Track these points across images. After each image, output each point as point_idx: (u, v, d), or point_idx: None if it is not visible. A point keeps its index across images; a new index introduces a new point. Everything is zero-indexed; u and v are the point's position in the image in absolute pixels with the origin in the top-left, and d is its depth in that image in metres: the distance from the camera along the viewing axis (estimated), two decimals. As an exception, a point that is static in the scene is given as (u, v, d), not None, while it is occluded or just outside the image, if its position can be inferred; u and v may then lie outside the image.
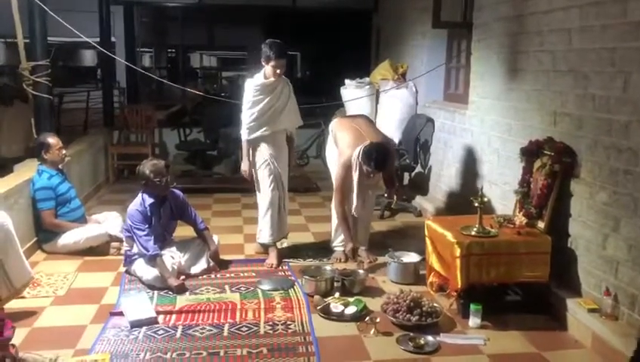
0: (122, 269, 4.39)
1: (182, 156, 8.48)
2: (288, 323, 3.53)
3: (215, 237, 4.56)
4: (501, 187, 4.53)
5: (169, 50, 21.12)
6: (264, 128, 4.44)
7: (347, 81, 6.97)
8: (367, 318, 3.46)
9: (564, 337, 3.42)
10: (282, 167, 4.57)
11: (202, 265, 4.37)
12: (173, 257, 4.23)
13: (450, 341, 3.33)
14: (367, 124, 4.70)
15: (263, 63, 4.38)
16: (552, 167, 3.66)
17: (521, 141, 4.21)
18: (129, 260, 4.27)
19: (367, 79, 6.97)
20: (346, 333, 3.44)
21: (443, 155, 5.87)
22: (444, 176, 5.87)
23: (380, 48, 8.58)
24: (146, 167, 4.24)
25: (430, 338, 3.31)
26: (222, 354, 3.14)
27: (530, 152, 3.97)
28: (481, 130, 4.97)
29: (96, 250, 4.74)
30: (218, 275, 4.33)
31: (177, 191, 4.52)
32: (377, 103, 6.88)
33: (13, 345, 2.91)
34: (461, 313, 3.65)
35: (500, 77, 4.59)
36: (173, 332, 3.39)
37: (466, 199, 5.10)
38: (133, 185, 7.55)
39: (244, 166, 4.56)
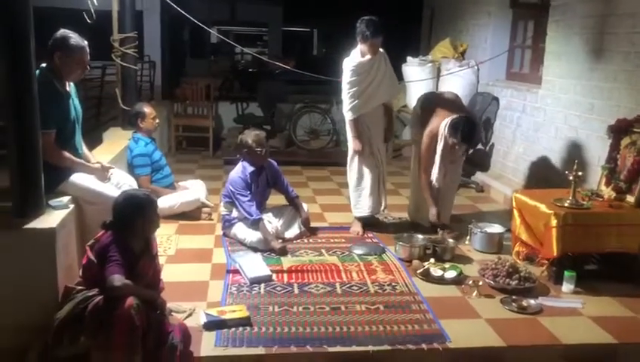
0: (219, 232, 4.65)
1: (237, 130, 8.69)
2: (393, 284, 3.78)
3: (304, 206, 4.80)
4: (580, 164, 4.70)
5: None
6: (365, 105, 4.56)
7: (409, 59, 7.14)
8: (470, 281, 3.70)
9: (655, 303, 3.65)
10: (379, 141, 4.71)
11: (295, 230, 4.62)
12: (270, 222, 4.48)
13: (550, 303, 3.56)
14: (454, 99, 4.85)
15: (359, 42, 4.52)
16: (645, 144, 3.85)
17: (603, 119, 4.40)
18: (228, 224, 4.53)
19: (429, 57, 7.13)
20: (450, 295, 3.69)
21: (512, 133, 6.04)
22: (511, 154, 6.06)
23: (433, 26, 8.70)
24: (249, 136, 4.48)
25: (532, 300, 3.55)
26: (343, 308, 3.40)
27: (619, 130, 4.15)
28: (557, 108, 5.15)
29: (188, 215, 5.00)
30: (311, 240, 4.58)
31: (272, 161, 4.74)
32: (438, 81, 7.05)
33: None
34: (553, 279, 3.88)
35: (582, 57, 4.76)
36: (290, 289, 3.65)
37: (537, 176, 5.34)
38: (193, 155, 7.89)
39: (356, 146, 4.61)
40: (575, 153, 4.81)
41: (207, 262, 4.09)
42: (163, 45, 10.31)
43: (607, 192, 4.07)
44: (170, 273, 3.85)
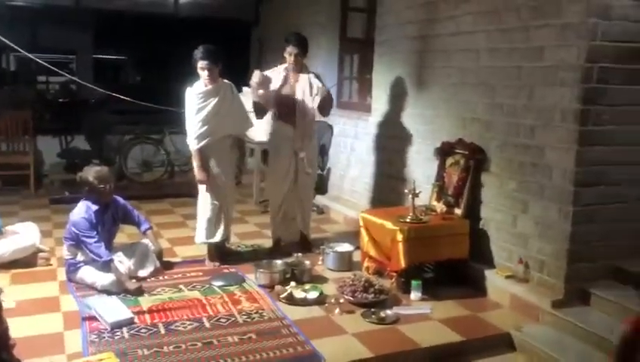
0: (63, 278, 4.29)
1: (60, 165, 8.07)
2: (260, 311, 3.83)
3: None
4: (409, 183, 5.22)
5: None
6: (211, 135, 4.52)
7: (245, 89, 7.28)
8: (332, 300, 3.90)
9: (486, 301, 4.18)
10: (226, 174, 4.67)
11: (149, 268, 4.43)
12: (122, 262, 4.25)
13: (404, 312, 3.90)
14: None
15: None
16: (467, 162, 4.44)
17: (428, 143, 4.96)
18: (73, 268, 4.21)
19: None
20: (315, 315, 3.84)
21: (347, 158, 6.47)
22: (347, 177, 6.48)
23: (264, 57, 8.95)
24: (90, 173, 4.22)
25: (388, 311, 3.85)
26: (215, 342, 3.36)
27: (444, 151, 4.72)
28: (387, 133, 5.66)
29: (21, 262, 4.53)
30: (167, 276, 4.43)
31: (116, 197, 4.51)
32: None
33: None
34: (402, 289, 4.25)
35: (406, 87, 5.30)
36: (155, 329, 3.51)
37: (373, 196, 5.81)
38: (12, 196, 7.12)
39: (201, 176, 4.55)
40: (407, 173, 5.32)
41: (56, 311, 3.75)
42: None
43: (439, 207, 4.60)
44: (15, 328, 3.42)
